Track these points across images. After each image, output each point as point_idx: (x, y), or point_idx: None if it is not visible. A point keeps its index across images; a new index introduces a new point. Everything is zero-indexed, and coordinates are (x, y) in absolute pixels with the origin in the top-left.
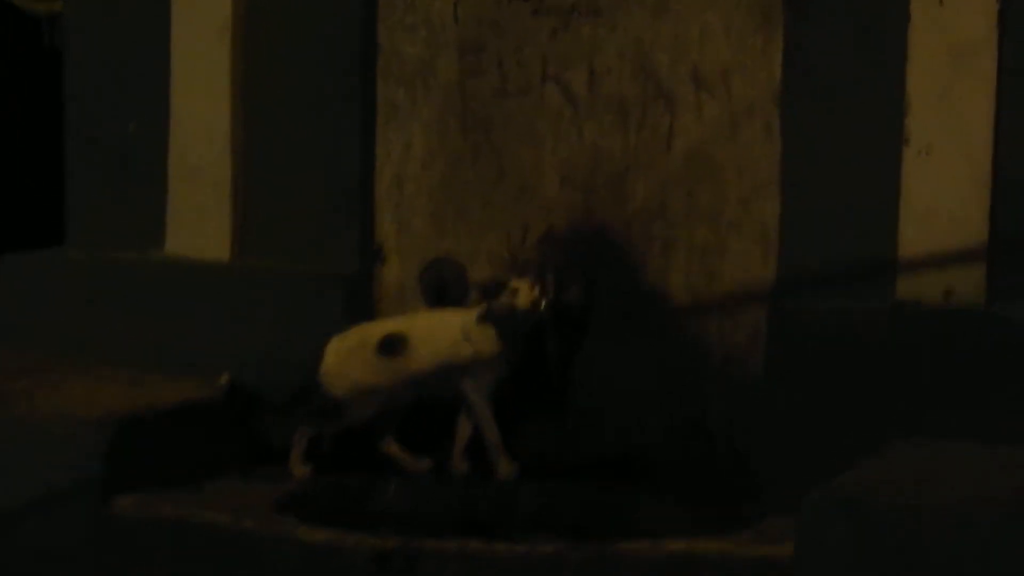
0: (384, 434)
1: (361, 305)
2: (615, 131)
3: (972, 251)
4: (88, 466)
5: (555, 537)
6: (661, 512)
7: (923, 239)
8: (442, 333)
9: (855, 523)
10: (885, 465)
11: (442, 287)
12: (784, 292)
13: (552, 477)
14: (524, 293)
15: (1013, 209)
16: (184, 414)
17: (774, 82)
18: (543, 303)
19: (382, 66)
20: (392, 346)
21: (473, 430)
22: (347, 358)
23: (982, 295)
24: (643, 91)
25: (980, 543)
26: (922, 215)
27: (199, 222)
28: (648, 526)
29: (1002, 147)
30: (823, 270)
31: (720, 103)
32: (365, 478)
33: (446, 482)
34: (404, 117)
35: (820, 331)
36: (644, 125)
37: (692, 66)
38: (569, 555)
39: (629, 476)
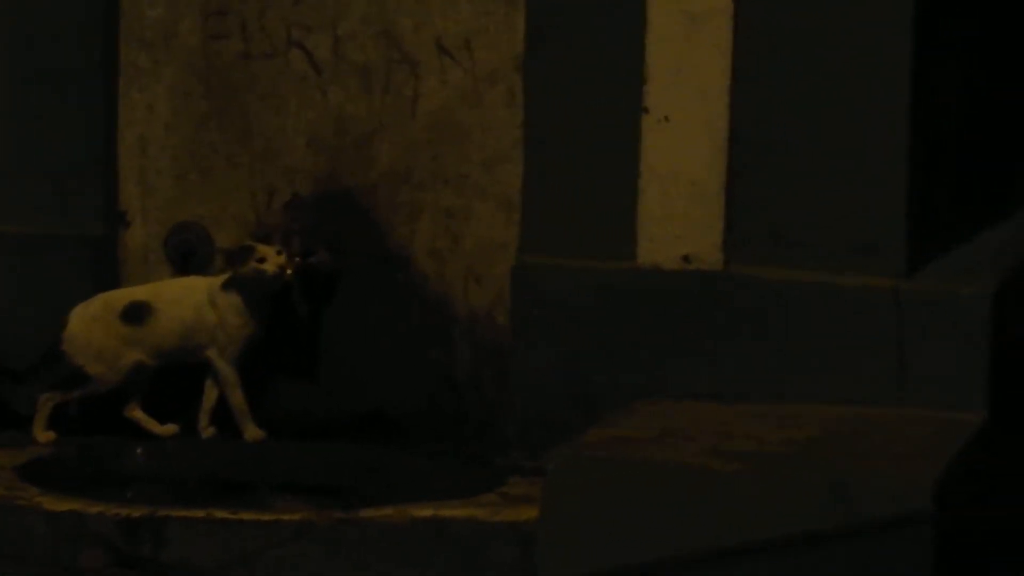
0: (130, 399)
1: (106, 269)
2: (360, 95)
3: (710, 215)
4: None
5: (304, 500)
6: (411, 470)
7: (663, 204)
8: (187, 300)
9: (599, 481)
10: (628, 422)
11: (187, 252)
12: (527, 254)
13: (303, 437)
14: (270, 259)
15: (749, 174)
16: None
17: (516, 48)
18: (289, 269)
19: (124, 28)
20: (136, 314)
21: (219, 395)
22: (91, 325)
23: (720, 257)
24: (387, 56)
25: (720, 496)
26: (661, 180)
27: None
28: (398, 485)
29: (738, 115)
30: (565, 233)
31: (464, 69)
32: (110, 443)
33: (194, 446)
34: (147, 80)
35: (562, 292)
36: (388, 90)
37: (435, 32)
38: (316, 522)
39: (380, 434)
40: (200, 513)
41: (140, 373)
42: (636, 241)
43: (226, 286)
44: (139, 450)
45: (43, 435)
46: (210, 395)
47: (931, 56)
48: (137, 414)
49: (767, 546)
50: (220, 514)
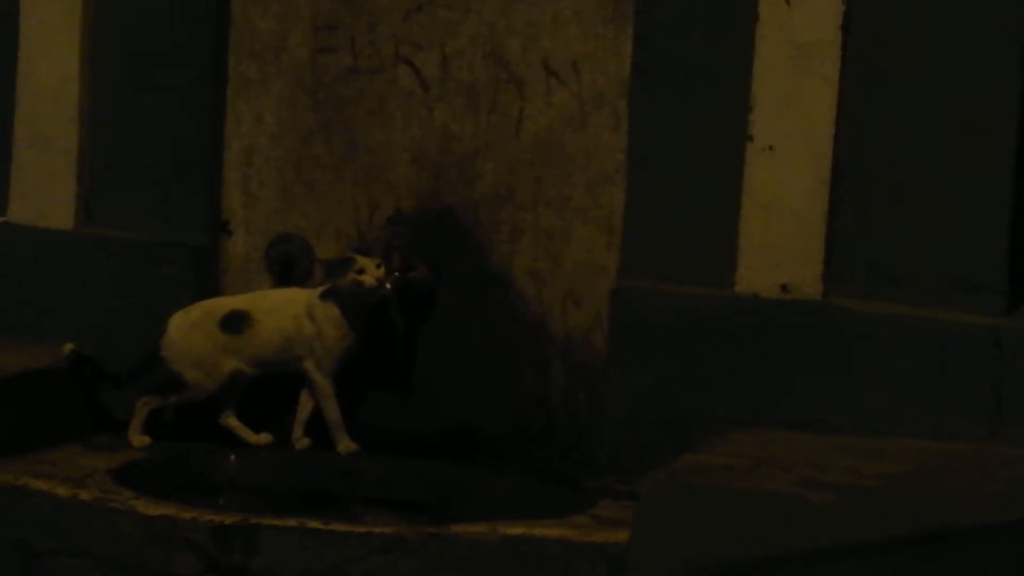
0: (225, 407)
1: (207, 277)
2: (465, 114)
3: (811, 246)
4: None
5: (395, 513)
6: (502, 489)
7: (764, 233)
8: (286, 311)
9: (692, 507)
10: (722, 450)
11: (288, 263)
12: (626, 277)
13: (394, 452)
14: (370, 271)
15: (851, 207)
16: (26, 381)
17: (623, 73)
18: (388, 283)
19: (234, 39)
20: (235, 323)
21: (314, 406)
22: (190, 333)
23: (819, 288)
24: (494, 76)
25: (812, 528)
26: (763, 210)
27: (44, 189)
28: (489, 504)
29: (842, 147)
30: (665, 258)
31: (570, 91)
32: (204, 450)
33: (287, 456)
34: (255, 90)
35: (660, 316)
36: (494, 109)
37: (543, 53)
38: (407, 536)
39: (470, 451)
40: (293, 522)
41: (237, 381)
42: (736, 269)
43: (325, 297)
44: (232, 458)
45: (138, 439)
46: (305, 406)
47: None
48: (232, 422)
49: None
50: (312, 524)
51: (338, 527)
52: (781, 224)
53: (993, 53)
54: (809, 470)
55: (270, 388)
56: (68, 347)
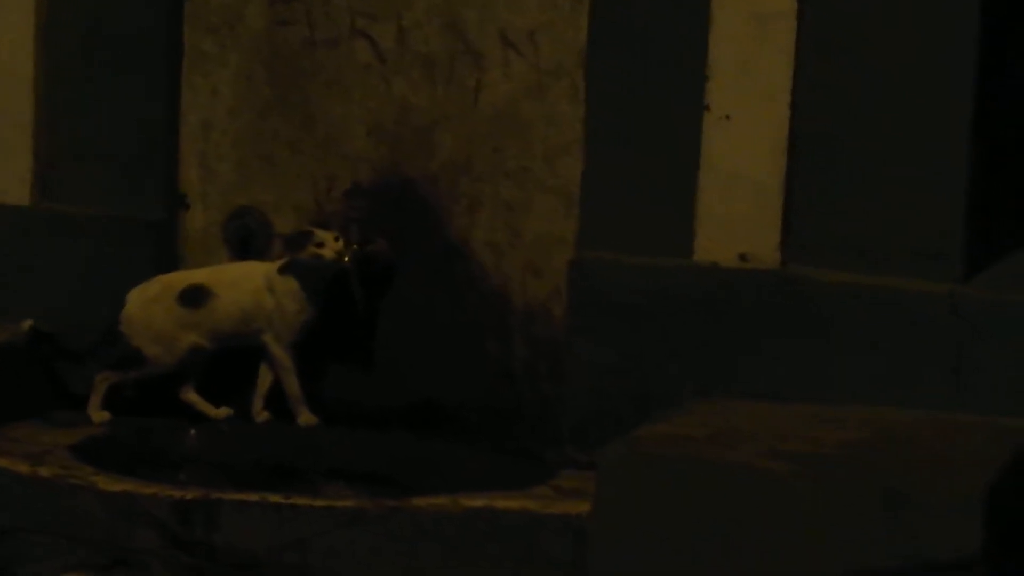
0: (185, 382)
1: (166, 251)
2: (423, 86)
3: (768, 215)
4: None
5: (358, 487)
6: (464, 461)
7: (722, 202)
8: (244, 284)
9: (652, 477)
10: (682, 420)
11: (246, 237)
12: (585, 248)
13: (356, 425)
14: (328, 244)
15: (808, 175)
16: None
17: (580, 43)
18: (347, 256)
19: (190, 12)
20: (194, 297)
21: (274, 380)
22: (149, 307)
23: (777, 257)
24: (451, 47)
25: (773, 497)
26: (721, 179)
27: (0, 165)
28: (451, 476)
29: (800, 116)
30: (624, 228)
31: (528, 62)
32: (165, 425)
33: (247, 430)
34: (211, 64)
35: (619, 287)
36: (452, 81)
37: (500, 24)
38: (368, 509)
39: (433, 424)
40: (254, 497)
41: (196, 356)
42: (694, 238)
43: (283, 271)
44: (193, 432)
45: (98, 415)
46: (265, 380)
47: (996, 58)
48: (192, 397)
49: None
50: (274, 499)
51: (300, 501)
52: (739, 193)
53: (950, 23)
54: (770, 440)
55: (230, 362)
56: (27, 323)
